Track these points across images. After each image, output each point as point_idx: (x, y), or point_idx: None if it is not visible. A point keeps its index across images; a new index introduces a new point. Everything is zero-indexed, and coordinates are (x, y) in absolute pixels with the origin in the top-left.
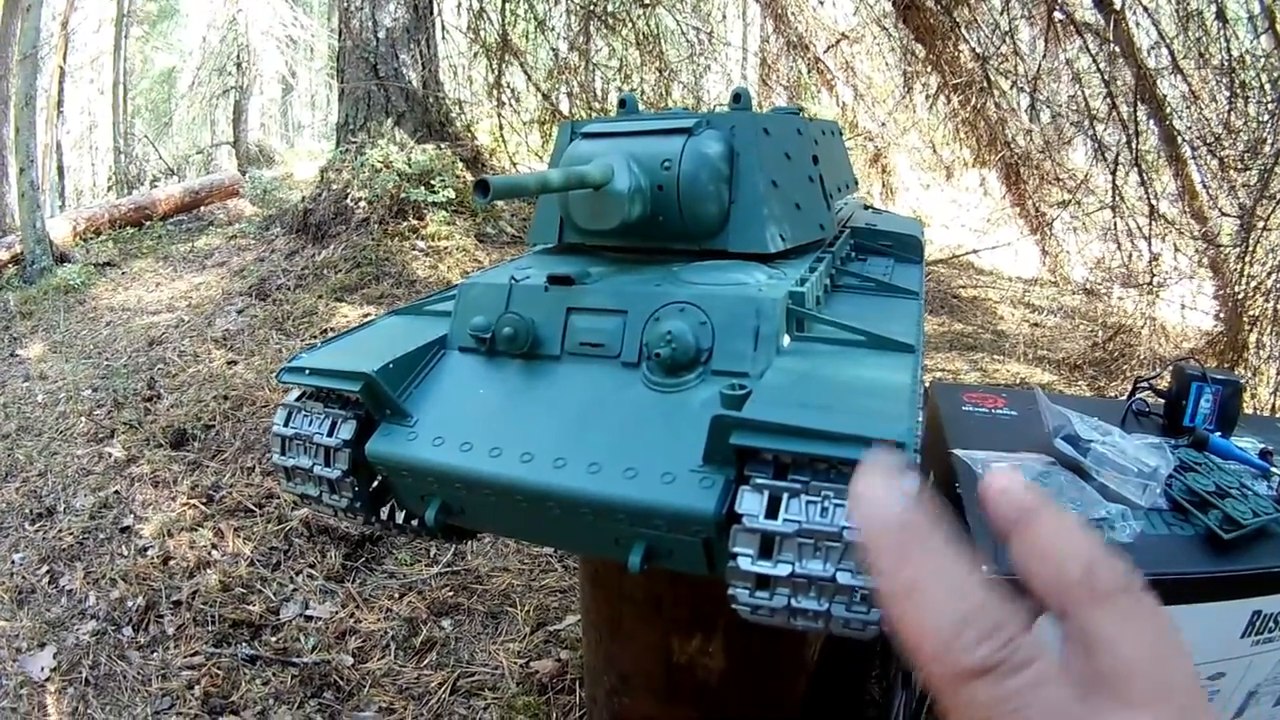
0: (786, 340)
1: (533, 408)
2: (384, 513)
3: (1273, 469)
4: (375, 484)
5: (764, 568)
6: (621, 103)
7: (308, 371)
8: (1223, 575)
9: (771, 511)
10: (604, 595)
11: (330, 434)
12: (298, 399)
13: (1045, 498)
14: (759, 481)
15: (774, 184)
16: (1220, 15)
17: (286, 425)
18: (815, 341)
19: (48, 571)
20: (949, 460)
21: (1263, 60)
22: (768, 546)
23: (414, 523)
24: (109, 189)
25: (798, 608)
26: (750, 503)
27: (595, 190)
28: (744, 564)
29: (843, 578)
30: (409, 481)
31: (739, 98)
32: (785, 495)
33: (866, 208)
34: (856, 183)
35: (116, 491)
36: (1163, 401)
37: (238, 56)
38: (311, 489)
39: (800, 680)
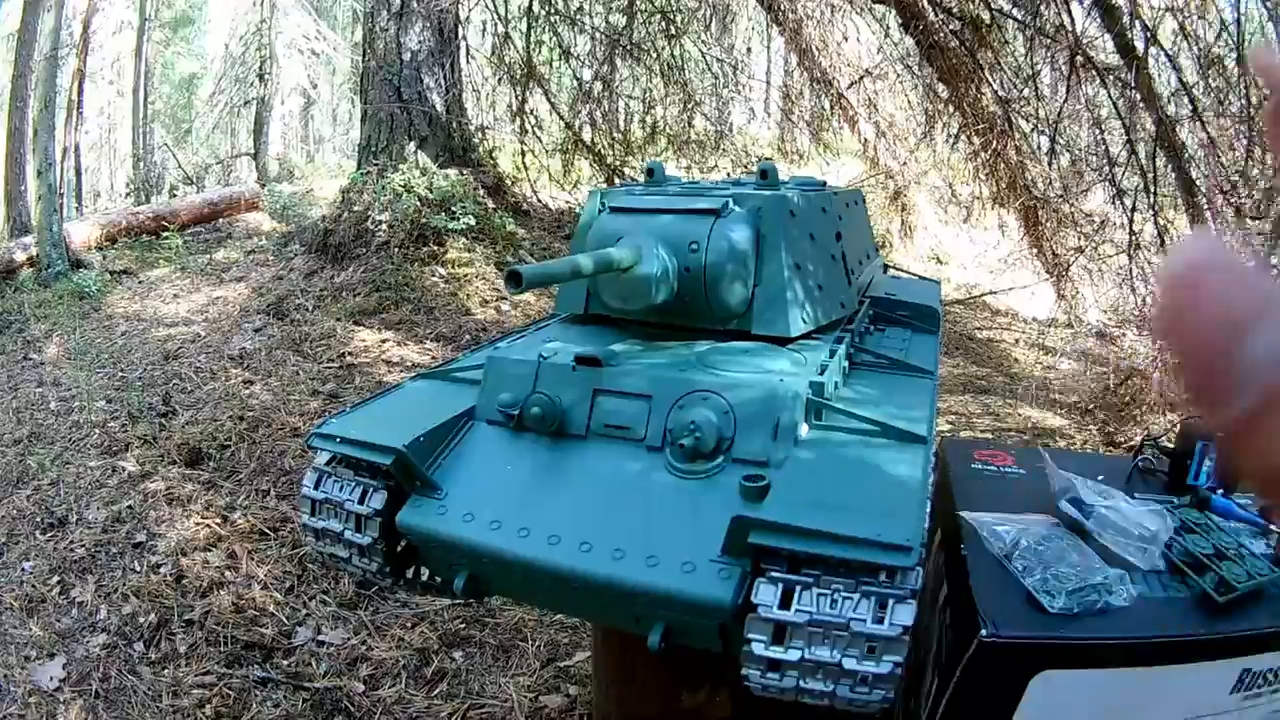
0: (805, 430)
1: (559, 487)
2: (409, 573)
3: (1272, 526)
4: (401, 547)
5: (776, 653)
6: (649, 171)
7: (339, 440)
8: (1214, 638)
9: (784, 602)
10: (615, 644)
11: (361, 502)
12: (328, 463)
13: None
14: (774, 574)
15: (797, 267)
16: (1240, 61)
17: (317, 489)
18: (833, 430)
19: (58, 582)
20: (957, 521)
21: None
22: (780, 634)
23: (438, 582)
24: (127, 195)
25: (805, 688)
26: (766, 594)
27: (623, 272)
28: (758, 649)
29: (848, 663)
30: (438, 553)
31: (765, 174)
32: (798, 588)
33: (885, 269)
34: (877, 250)
35: (130, 506)
36: (1167, 459)
37: (260, 67)
38: (341, 551)
39: None
